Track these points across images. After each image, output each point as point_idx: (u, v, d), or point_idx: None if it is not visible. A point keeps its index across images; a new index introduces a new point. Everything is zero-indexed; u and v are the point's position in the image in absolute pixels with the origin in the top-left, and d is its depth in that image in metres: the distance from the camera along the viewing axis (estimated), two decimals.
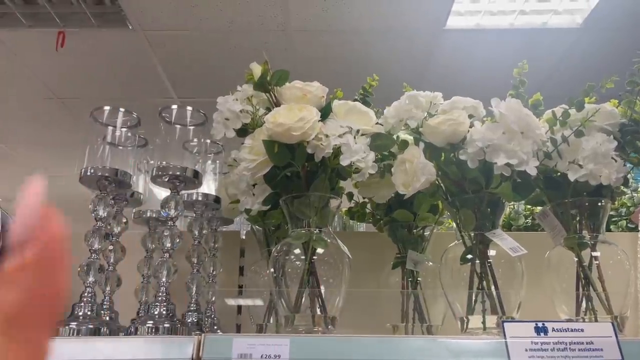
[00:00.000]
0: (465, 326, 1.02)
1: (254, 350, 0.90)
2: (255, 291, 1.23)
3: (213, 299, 1.29)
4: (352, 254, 1.40)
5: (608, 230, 1.69)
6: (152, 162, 1.20)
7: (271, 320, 1.21)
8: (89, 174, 1.06)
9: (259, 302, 1.22)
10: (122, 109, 1.14)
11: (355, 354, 0.89)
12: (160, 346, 0.89)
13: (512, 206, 1.84)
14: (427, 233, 1.28)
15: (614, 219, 1.68)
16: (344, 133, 1.01)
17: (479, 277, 1.04)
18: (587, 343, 0.90)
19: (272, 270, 1.06)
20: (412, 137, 1.14)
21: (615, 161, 0.98)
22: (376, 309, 1.26)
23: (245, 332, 1.32)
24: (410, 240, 1.25)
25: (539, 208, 1.52)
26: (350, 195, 1.31)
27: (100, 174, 1.06)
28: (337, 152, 1.00)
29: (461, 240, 1.08)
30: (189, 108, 1.14)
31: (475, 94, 1.14)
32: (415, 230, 1.28)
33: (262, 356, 0.89)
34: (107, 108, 1.13)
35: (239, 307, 1.38)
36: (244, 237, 1.46)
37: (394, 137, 1.16)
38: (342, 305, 1.04)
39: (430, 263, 1.23)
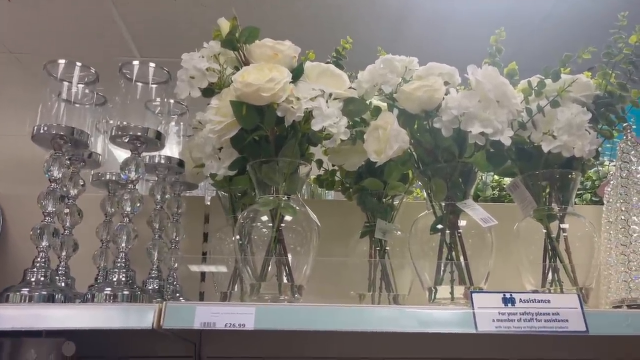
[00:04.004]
0: (433, 296, 1.02)
1: (217, 318, 0.87)
2: (220, 258, 1.20)
3: (175, 265, 1.25)
4: (321, 222, 1.38)
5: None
6: (111, 121, 1.13)
7: (236, 288, 1.18)
8: (42, 131, 0.99)
9: (223, 269, 1.19)
10: (78, 64, 1.07)
11: (322, 323, 0.87)
12: (118, 314, 0.85)
13: (480, 177, 1.84)
14: (396, 202, 1.26)
15: (579, 192, 1.70)
16: (316, 96, 0.96)
17: (448, 248, 1.03)
18: (553, 314, 0.90)
19: (237, 237, 1.02)
20: (385, 104, 1.11)
21: (589, 133, 0.97)
22: (343, 277, 1.24)
23: (209, 300, 1.29)
24: (380, 209, 1.23)
25: (507, 180, 1.52)
26: (319, 163, 1.28)
27: (54, 132, 0.99)
28: (308, 116, 0.96)
29: (432, 210, 1.07)
30: (152, 64, 1.07)
31: (450, 62, 1.10)
32: (385, 199, 1.26)
33: (226, 325, 0.86)
34: (62, 62, 1.05)
35: (203, 275, 1.34)
36: (208, 202, 1.41)
37: (368, 103, 1.12)
38: (310, 274, 1.02)
39: (399, 232, 1.21)
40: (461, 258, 1.02)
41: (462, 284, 1.01)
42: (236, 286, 1.16)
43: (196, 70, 0.98)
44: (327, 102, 0.97)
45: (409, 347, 1.29)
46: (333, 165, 1.29)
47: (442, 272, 1.02)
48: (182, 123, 1.31)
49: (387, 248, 1.22)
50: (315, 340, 1.27)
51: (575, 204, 1.68)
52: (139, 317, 0.84)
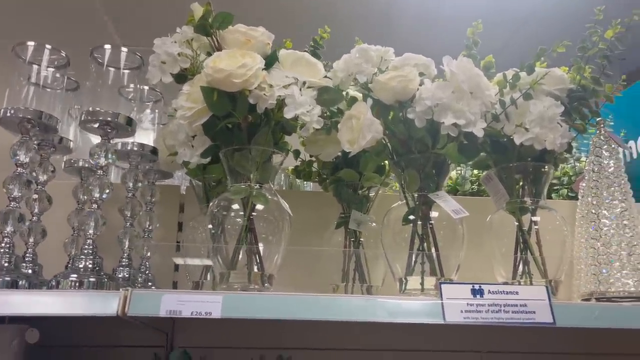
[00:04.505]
0: (403, 287, 1.02)
1: (183, 307, 0.86)
2: (193, 248, 1.19)
3: (148, 254, 1.23)
4: (298, 213, 1.37)
5: (549, 198, 1.72)
6: (83, 107, 1.11)
7: (208, 277, 1.17)
8: (8, 115, 0.97)
9: (195, 258, 1.18)
10: (48, 46, 1.04)
11: (290, 312, 0.86)
12: (83, 301, 0.84)
13: (459, 171, 1.84)
14: (372, 194, 1.26)
15: (555, 187, 1.71)
16: (290, 84, 0.95)
17: (420, 239, 1.03)
18: (520, 305, 0.90)
19: (209, 226, 1.01)
20: (361, 95, 1.11)
21: (561, 126, 0.97)
22: (318, 268, 1.24)
23: (182, 289, 1.28)
24: (355, 200, 1.22)
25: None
26: (297, 153, 1.27)
27: (21, 115, 0.97)
28: (281, 104, 0.95)
29: (405, 201, 1.06)
30: (124, 49, 1.05)
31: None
32: (360, 191, 1.25)
33: (192, 313, 0.85)
34: (31, 44, 1.02)
35: (177, 264, 1.33)
36: (184, 192, 1.40)
37: (344, 94, 1.12)
38: (281, 263, 1.01)
39: (374, 224, 1.21)
40: (433, 249, 1.02)
41: (434, 275, 1.01)
42: (208, 275, 1.15)
43: (167, 56, 0.96)
44: (300, 90, 0.97)
45: (381, 338, 1.29)
46: (311, 156, 1.29)
47: (413, 263, 1.02)
48: (157, 111, 1.29)
49: (361, 239, 1.22)
50: (289, 331, 1.27)
51: (552, 199, 1.70)
52: (103, 304, 0.83)
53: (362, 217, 1.19)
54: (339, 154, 1.24)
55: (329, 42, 1.19)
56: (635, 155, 1.71)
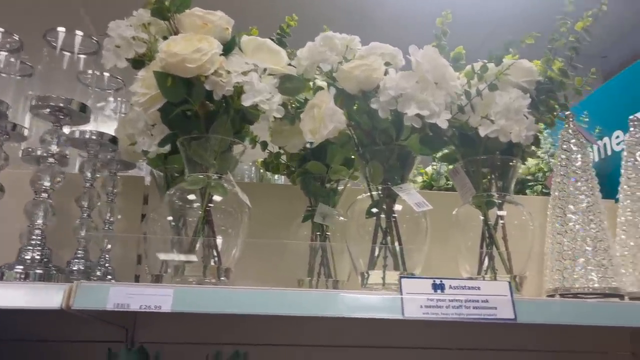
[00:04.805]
0: (365, 281, 0.99)
1: (132, 300, 0.82)
2: (153, 240, 1.15)
3: (108, 247, 1.19)
4: (267, 207, 1.34)
5: (524, 194, 1.71)
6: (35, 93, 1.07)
7: (169, 271, 1.14)
8: None
9: (152, 251, 1.14)
10: (1, 29, 1.00)
11: (244, 306, 0.83)
12: (25, 293, 0.80)
13: (434, 167, 1.83)
14: (341, 187, 1.24)
15: (530, 184, 1.69)
16: (249, 71, 0.92)
17: (383, 232, 1.01)
18: (482, 301, 0.88)
19: (165, 217, 0.98)
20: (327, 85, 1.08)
21: (527, 118, 0.95)
22: (283, 262, 1.21)
23: (145, 282, 1.24)
24: (322, 193, 1.20)
25: None
26: (264, 145, 1.24)
27: None
28: (240, 91, 0.92)
29: (369, 194, 1.04)
30: (79, 33, 1.01)
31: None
32: (329, 184, 1.23)
33: (140, 307, 0.82)
34: None
35: (139, 257, 1.29)
36: (148, 183, 1.36)
37: (310, 84, 1.09)
38: (240, 257, 0.98)
39: (341, 218, 1.18)
40: (396, 243, 1.00)
41: (397, 270, 0.99)
42: (169, 269, 1.11)
43: (121, 39, 0.92)
44: (260, 77, 0.93)
45: (344, 334, 1.27)
46: (279, 148, 1.26)
47: (375, 257, 0.99)
48: (119, 99, 1.25)
49: (327, 233, 1.19)
50: (249, 326, 1.24)
51: (526, 195, 1.69)
52: (46, 297, 0.79)
53: (329, 211, 1.16)
54: (308, 145, 1.22)
55: (307, 38, 1.16)
56: (610, 152, 1.70)
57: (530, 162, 1.73)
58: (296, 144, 1.15)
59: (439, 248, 1.09)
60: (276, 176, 1.61)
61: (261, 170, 1.63)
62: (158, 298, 0.83)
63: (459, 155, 1.10)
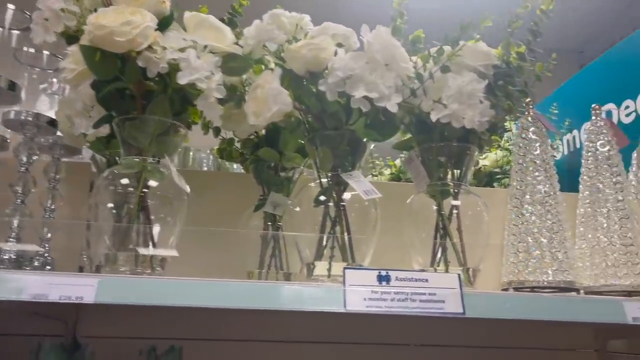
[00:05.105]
0: (311, 273, 0.94)
1: (51, 290, 0.77)
2: (91, 227, 1.09)
3: (49, 235, 1.13)
4: (222, 196, 1.28)
5: (491, 186, 1.67)
6: None
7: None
8: None
9: (93, 239, 1.08)
10: None
11: (172, 297, 0.78)
12: None
13: (402, 158, 1.78)
14: (297, 176, 1.19)
15: (498, 176, 1.66)
16: (186, 47, 0.86)
17: (332, 222, 0.96)
18: (429, 294, 0.84)
19: (98, 203, 0.92)
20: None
21: (482, 103, 0.90)
22: (234, 253, 1.15)
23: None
24: (275, 182, 1.14)
25: None
26: (217, 130, 1.19)
27: None
28: (176, 69, 0.86)
29: (319, 181, 0.99)
30: (11, 6, 0.95)
31: None
32: (284, 173, 1.17)
33: (60, 297, 0.76)
34: None
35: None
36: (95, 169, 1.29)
37: (263, 66, 1.03)
38: (177, 246, 0.92)
39: (297, 208, 1.13)
40: (345, 233, 0.95)
41: (345, 261, 0.94)
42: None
43: (50, 12, 0.86)
44: (199, 55, 0.88)
45: (285, 328, 1.22)
46: (234, 134, 1.20)
47: (323, 247, 0.94)
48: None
49: (279, 223, 1.14)
50: (191, 321, 1.18)
51: (494, 187, 1.66)
52: None
53: (280, 200, 1.11)
54: (259, 131, 1.17)
55: None
56: (579, 145, 1.67)
57: (499, 154, 1.70)
58: (246, 128, 1.10)
59: (398, 240, 1.04)
60: (235, 165, 1.56)
61: (219, 160, 1.58)
62: (80, 288, 0.77)
63: (415, 142, 1.05)
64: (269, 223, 1.14)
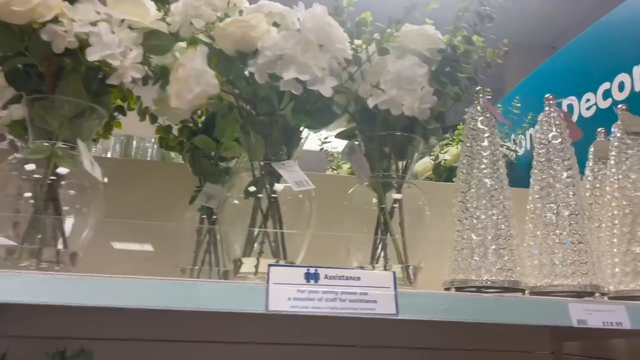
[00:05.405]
0: (237, 269, 0.87)
1: None
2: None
3: None
4: (162, 187, 1.20)
5: (451, 182, 1.62)
6: None
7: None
8: None
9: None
10: None
11: (74, 297, 0.70)
12: None
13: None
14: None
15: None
16: (98, 21, 0.78)
17: (263, 215, 0.89)
18: (360, 294, 0.77)
19: (3, 191, 0.83)
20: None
21: (422, 89, 0.84)
22: (168, 249, 1.08)
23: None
24: (211, 172, 1.07)
25: None
26: (153, 117, 1.11)
27: None
28: (86, 44, 0.78)
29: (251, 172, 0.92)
30: None
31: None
32: (223, 163, 1.10)
33: None
34: None
35: None
36: None
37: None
38: (90, 240, 0.84)
39: (236, 201, 1.06)
40: (278, 227, 0.88)
41: (276, 257, 0.87)
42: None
43: None
44: (113, 30, 0.80)
45: (202, 329, 1.14)
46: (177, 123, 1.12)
47: (252, 243, 0.87)
48: None
49: (214, 217, 1.06)
50: (102, 320, 1.10)
51: (453, 182, 1.60)
52: None
53: (214, 191, 1.04)
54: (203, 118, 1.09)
55: None
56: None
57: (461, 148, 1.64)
58: (178, 113, 1.02)
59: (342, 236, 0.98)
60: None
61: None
62: None
63: (358, 132, 0.99)
64: (204, 216, 1.07)
